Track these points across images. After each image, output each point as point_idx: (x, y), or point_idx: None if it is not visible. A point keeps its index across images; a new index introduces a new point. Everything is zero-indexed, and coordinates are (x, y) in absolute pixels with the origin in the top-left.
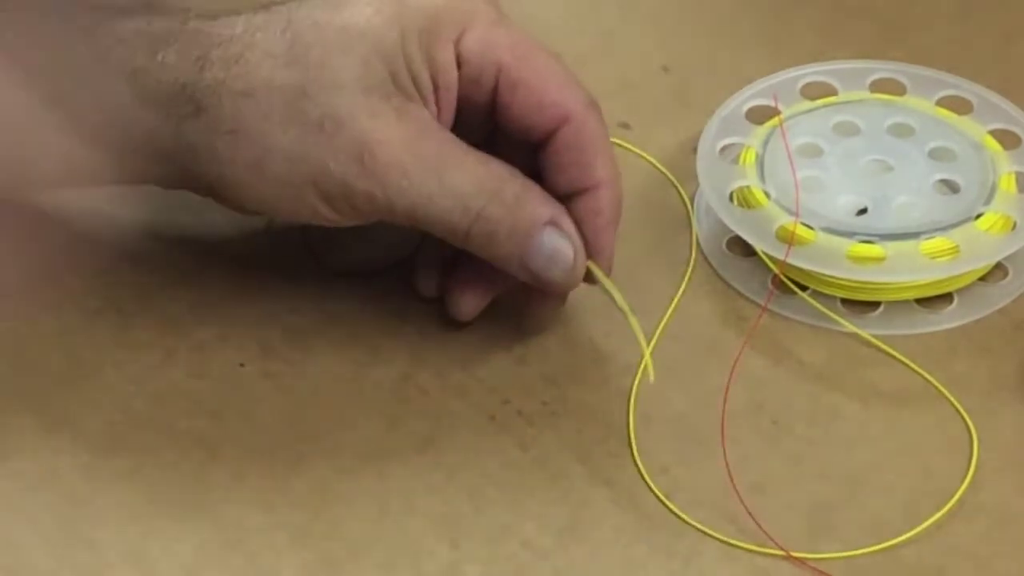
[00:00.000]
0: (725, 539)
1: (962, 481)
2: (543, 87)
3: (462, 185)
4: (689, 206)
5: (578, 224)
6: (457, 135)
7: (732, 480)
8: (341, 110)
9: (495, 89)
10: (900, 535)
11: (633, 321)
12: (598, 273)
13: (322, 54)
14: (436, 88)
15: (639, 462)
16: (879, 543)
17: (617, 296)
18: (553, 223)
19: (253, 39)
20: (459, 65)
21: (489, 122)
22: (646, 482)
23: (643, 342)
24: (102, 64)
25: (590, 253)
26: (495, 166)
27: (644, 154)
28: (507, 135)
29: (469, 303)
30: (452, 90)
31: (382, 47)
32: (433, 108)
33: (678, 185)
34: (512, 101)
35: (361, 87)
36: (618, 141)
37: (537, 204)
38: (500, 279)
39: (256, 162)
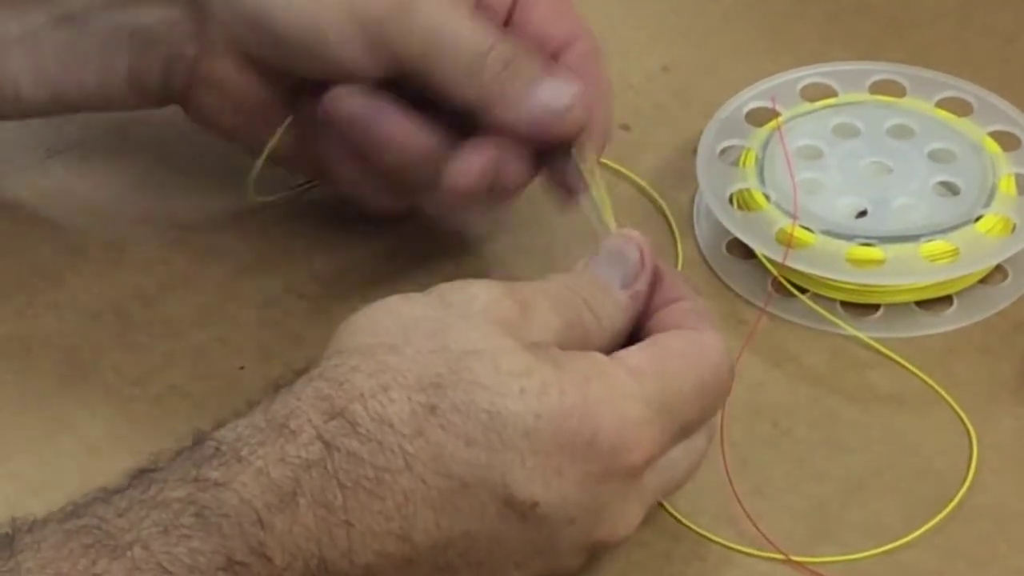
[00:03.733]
0: (725, 543)
1: (962, 483)
2: (560, 6)
3: (478, 24)
4: (669, 218)
5: None
6: None
7: (732, 484)
8: None
9: (510, 13)
10: (900, 538)
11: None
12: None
13: None
14: None
15: None
16: (879, 546)
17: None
18: (550, 75)
19: None
20: None
21: None
22: None
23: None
24: None
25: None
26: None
27: (629, 172)
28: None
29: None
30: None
31: None
32: None
33: (660, 200)
34: (528, 20)
35: None
36: (608, 162)
37: (538, 61)
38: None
39: None
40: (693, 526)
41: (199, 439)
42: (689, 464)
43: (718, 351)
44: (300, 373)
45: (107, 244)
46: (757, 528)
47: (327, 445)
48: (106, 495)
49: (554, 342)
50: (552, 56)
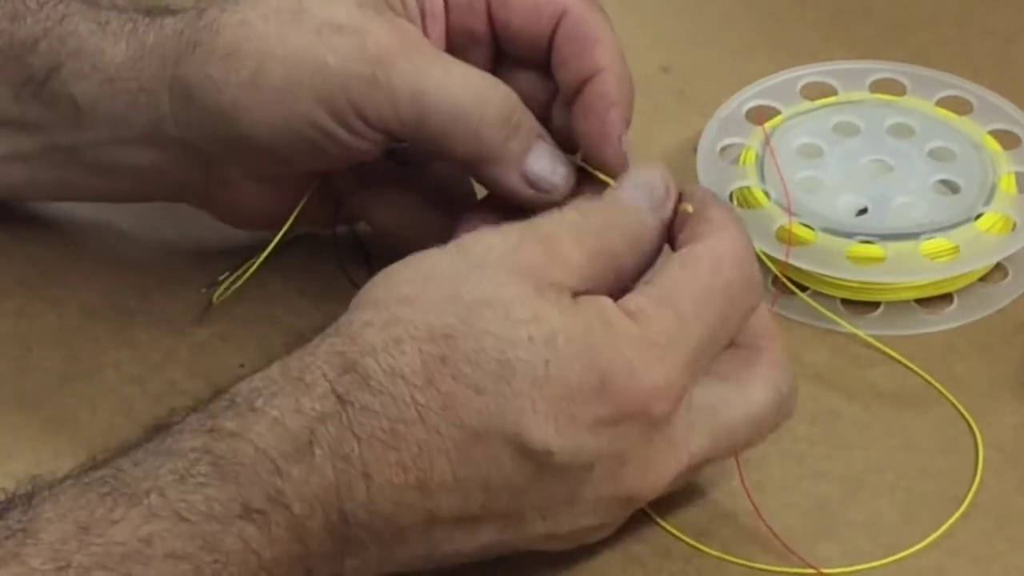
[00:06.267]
0: (741, 562)
1: (965, 481)
2: None
3: (472, 76)
4: None
5: (586, 112)
6: None
7: (743, 479)
8: (338, 17)
9: (489, 12)
10: (900, 535)
11: None
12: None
13: None
14: (424, 15)
15: None
16: (880, 544)
17: None
18: (541, 137)
19: None
20: None
21: (492, 55)
22: None
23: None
24: (101, 30)
25: (598, 141)
26: (489, 75)
27: None
28: (513, 59)
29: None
30: (439, 19)
31: None
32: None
33: None
34: (509, 15)
35: (355, 1)
36: None
37: (532, 117)
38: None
39: (251, 78)
40: (691, 540)
41: (215, 393)
42: (744, 411)
43: (716, 252)
44: (318, 331)
45: (107, 242)
46: (775, 535)
47: (340, 399)
48: (123, 449)
49: (580, 277)
50: (546, 41)
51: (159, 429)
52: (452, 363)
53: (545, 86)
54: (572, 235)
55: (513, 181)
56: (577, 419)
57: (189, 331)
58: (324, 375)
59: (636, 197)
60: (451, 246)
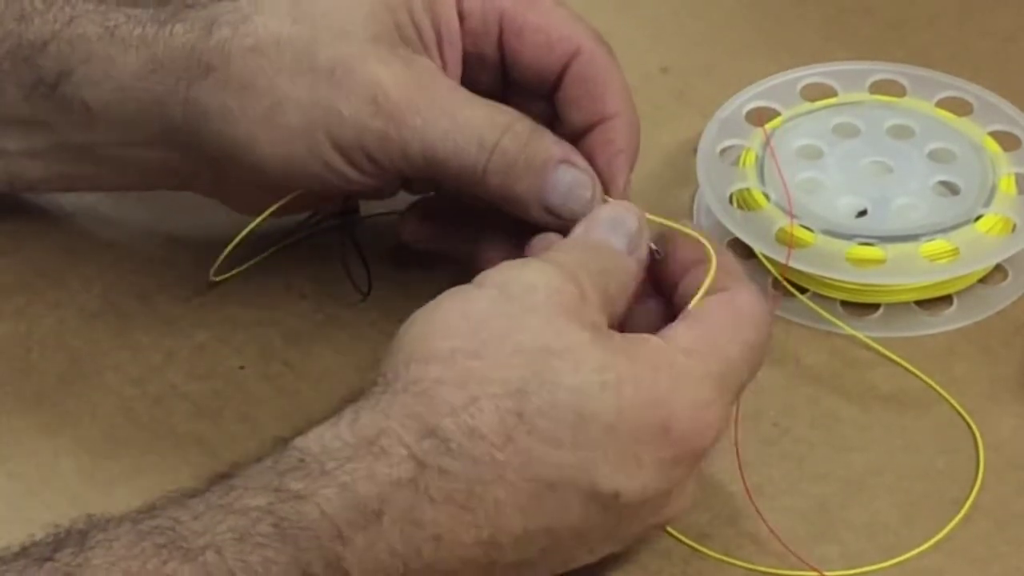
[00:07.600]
0: (741, 564)
1: (965, 483)
2: (549, 25)
3: (475, 121)
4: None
5: (592, 155)
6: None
7: (745, 482)
8: (351, 57)
9: (501, 39)
10: (901, 537)
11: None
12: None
13: (328, 7)
14: (440, 41)
15: None
16: (880, 546)
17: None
18: (566, 160)
19: (260, 3)
20: (462, 19)
21: (501, 80)
22: None
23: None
24: (109, 35)
25: (603, 183)
26: (504, 107)
27: None
28: (520, 87)
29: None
30: (456, 44)
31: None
32: (438, 61)
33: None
34: (521, 46)
35: (368, 36)
36: None
37: (550, 142)
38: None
39: (267, 114)
40: (696, 544)
41: (280, 447)
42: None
43: (755, 306)
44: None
45: (107, 244)
46: (777, 537)
47: (420, 464)
48: (183, 497)
49: (601, 316)
50: (555, 83)
51: (222, 478)
52: (528, 418)
53: (545, 115)
54: (589, 278)
55: (533, 215)
56: (643, 461)
57: (189, 333)
58: (401, 439)
59: (614, 241)
60: (487, 286)
